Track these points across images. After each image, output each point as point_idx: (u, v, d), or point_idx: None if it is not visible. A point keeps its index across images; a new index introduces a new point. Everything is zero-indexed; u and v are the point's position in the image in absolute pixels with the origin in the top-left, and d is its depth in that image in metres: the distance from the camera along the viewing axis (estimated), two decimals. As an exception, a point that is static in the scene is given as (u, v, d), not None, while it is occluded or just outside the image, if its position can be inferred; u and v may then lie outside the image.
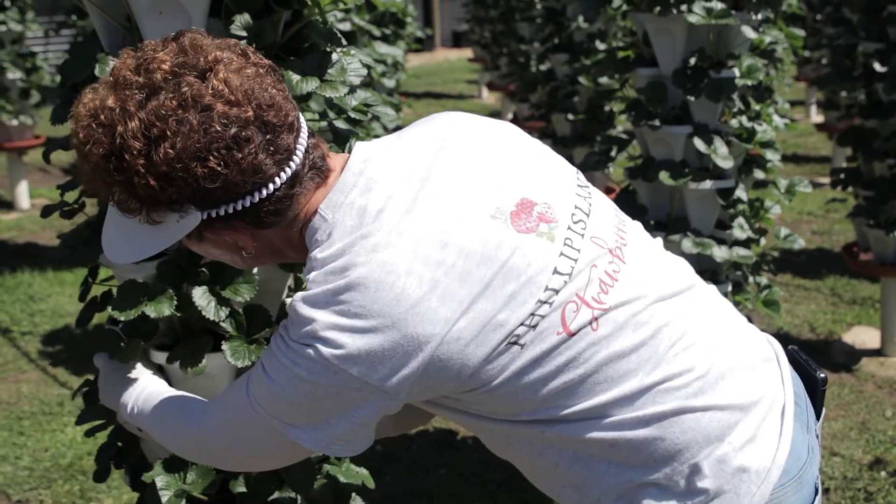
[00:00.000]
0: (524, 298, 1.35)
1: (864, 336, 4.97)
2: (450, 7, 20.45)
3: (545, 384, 1.37)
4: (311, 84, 1.68)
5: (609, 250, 1.43)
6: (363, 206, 1.37)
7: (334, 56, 1.75)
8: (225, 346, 1.76)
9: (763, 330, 1.65)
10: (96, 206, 1.91)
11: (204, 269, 1.77)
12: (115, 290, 2.04)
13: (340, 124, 1.93)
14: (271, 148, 1.35)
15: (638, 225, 1.57)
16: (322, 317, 1.32)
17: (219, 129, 1.30)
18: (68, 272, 6.33)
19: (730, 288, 3.31)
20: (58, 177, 9.53)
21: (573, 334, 1.37)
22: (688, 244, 3.17)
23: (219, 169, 1.31)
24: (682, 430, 1.41)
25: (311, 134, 1.44)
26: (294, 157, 1.38)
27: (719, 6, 3.04)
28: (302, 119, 1.43)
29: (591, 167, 3.39)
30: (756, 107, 3.28)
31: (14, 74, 7.41)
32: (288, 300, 2.00)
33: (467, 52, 17.89)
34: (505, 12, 9.74)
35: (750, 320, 3.34)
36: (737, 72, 3.17)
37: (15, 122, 7.49)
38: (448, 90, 15.24)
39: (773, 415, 1.48)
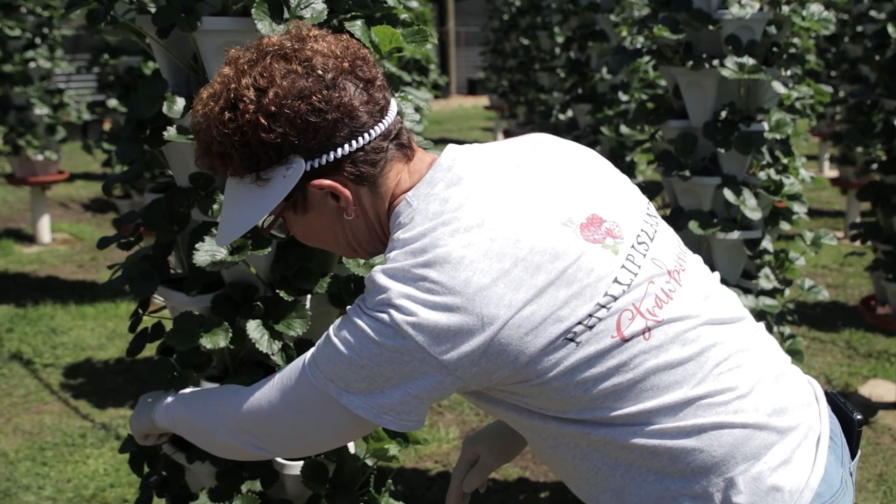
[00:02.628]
0: (585, 300, 1.43)
1: (881, 389, 5.00)
2: (466, 55, 20.66)
3: (596, 384, 1.45)
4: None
5: (667, 271, 1.53)
6: (447, 198, 1.48)
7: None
8: (276, 378, 1.80)
9: None
10: (152, 240, 1.97)
11: (258, 303, 1.82)
12: (164, 322, 2.10)
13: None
14: (366, 97, 1.48)
15: (698, 258, 1.67)
16: (398, 287, 1.41)
17: (320, 72, 1.45)
18: (90, 306, 6.39)
19: (754, 338, 3.35)
20: (78, 212, 9.63)
21: (626, 340, 1.45)
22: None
23: (321, 106, 1.44)
24: (720, 444, 1.48)
25: (398, 114, 1.57)
26: (386, 116, 1.52)
27: (751, 62, 3.11)
28: (392, 99, 1.56)
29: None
30: (784, 160, 3.34)
31: (41, 110, 7.52)
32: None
33: (483, 100, 18.05)
34: (524, 62, 9.86)
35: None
36: (766, 125, 3.23)
37: (40, 157, 7.58)
38: (464, 136, 15.36)
39: (808, 442, 1.55)
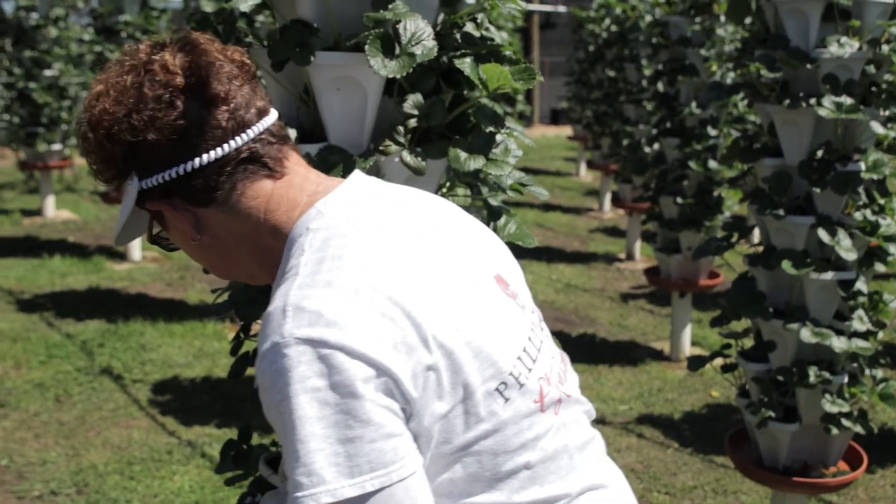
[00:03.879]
0: (509, 350, 1.32)
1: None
2: (549, 85, 20.68)
3: (512, 455, 1.30)
4: (479, 162, 1.78)
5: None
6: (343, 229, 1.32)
7: (498, 137, 1.85)
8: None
9: (879, 425, 1.65)
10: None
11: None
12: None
13: (493, 201, 2.02)
14: (202, 122, 1.34)
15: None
16: None
17: (147, 90, 1.33)
18: (178, 324, 6.52)
19: (846, 380, 3.30)
20: (167, 231, 9.81)
21: (543, 411, 1.33)
22: (806, 333, 3.18)
23: (140, 126, 1.32)
24: None
25: (279, 137, 1.42)
26: (231, 141, 1.36)
27: (848, 101, 3.09)
28: (267, 119, 1.41)
29: (712, 252, 3.42)
30: (880, 200, 3.30)
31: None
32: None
33: (565, 130, 18.05)
34: (609, 93, 9.85)
35: (865, 413, 3.32)
36: (862, 165, 3.20)
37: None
38: (546, 166, 15.38)
39: None
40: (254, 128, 1.38)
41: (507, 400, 1.29)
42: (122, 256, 8.47)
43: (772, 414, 3.27)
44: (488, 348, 1.28)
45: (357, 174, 1.45)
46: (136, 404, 5.17)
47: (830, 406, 3.24)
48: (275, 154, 1.40)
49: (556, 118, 20.79)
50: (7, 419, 4.94)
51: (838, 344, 3.18)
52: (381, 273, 1.25)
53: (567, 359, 1.54)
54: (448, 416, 1.25)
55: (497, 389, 1.28)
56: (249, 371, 2.19)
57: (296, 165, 1.43)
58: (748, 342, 3.59)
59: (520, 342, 1.34)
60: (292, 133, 1.84)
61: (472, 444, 1.27)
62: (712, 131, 5.82)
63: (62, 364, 5.72)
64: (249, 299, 1.94)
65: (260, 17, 5.85)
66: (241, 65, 1.42)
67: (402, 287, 1.25)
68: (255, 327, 2.14)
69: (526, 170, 14.42)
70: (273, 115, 1.43)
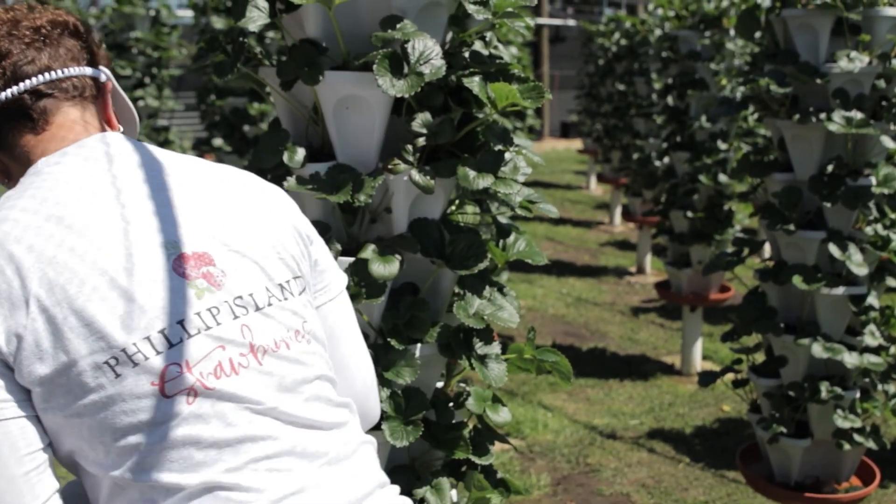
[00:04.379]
0: (136, 326, 1.32)
1: None
2: (559, 98, 20.71)
3: (124, 433, 1.31)
4: (487, 180, 1.78)
5: (251, 345, 1.39)
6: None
7: (507, 154, 1.85)
8: (384, 425, 1.83)
9: (892, 440, 1.63)
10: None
11: (370, 350, 1.86)
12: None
13: (502, 219, 2.02)
14: None
15: (325, 361, 1.51)
16: None
17: None
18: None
19: (858, 395, 3.29)
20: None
21: (166, 396, 1.32)
22: (817, 349, 3.17)
23: None
24: None
25: (69, 94, 1.52)
26: (5, 91, 1.47)
27: (859, 116, 3.08)
28: (49, 75, 1.50)
29: (723, 267, 3.42)
30: (891, 215, 3.29)
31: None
32: (439, 384, 2.07)
33: (575, 143, 18.07)
34: (619, 107, 9.86)
35: (878, 428, 3.30)
36: (873, 180, 3.19)
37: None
38: (556, 180, 15.38)
39: None
40: (28, 81, 1.48)
41: (117, 376, 1.30)
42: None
43: (783, 429, 3.25)
44: (102, 321, 1.30)
45: (112, 136, 1.51)
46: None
47: (842, 421, 3.23)
48: (44, 108, 1.50)
49: (566, 131, 20.81)
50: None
51: (850, 359, 3.17)
52: (9, 229, 1.33)
53: (314, 368, 1.47)
54: (53, 380, 1.29)
55: (107, 363, 1.29)
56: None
57: (71, 124, 1.51)
58: (759, 357, 3.58)
59: (161, 323, 1.33)
60: (301, 153, 1.84)
61: (85, 413, 1.30)
62: (722, 145, 5.82)
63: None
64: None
65: (270, 34, 5.87)
66: (37, 28, 1.52)
67: (24, 246, 1.32)
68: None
69: (536, 183, 14.44)
70: (66, 72, 1.52)
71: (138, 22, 7.94)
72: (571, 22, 21.39)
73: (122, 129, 1.64)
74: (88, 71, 1.56)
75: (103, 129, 1.57)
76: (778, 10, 3.29)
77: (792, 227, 3.21)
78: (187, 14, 9.20)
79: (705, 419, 5.38)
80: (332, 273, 1.62)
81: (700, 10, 5.90)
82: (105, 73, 1.60)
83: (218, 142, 6.44)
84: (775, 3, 3.32)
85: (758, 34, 3.50)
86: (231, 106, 6.41)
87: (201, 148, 6.68)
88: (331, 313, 1.61)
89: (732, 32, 5.90)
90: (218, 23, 6.52)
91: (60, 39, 1.55)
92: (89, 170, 1.44)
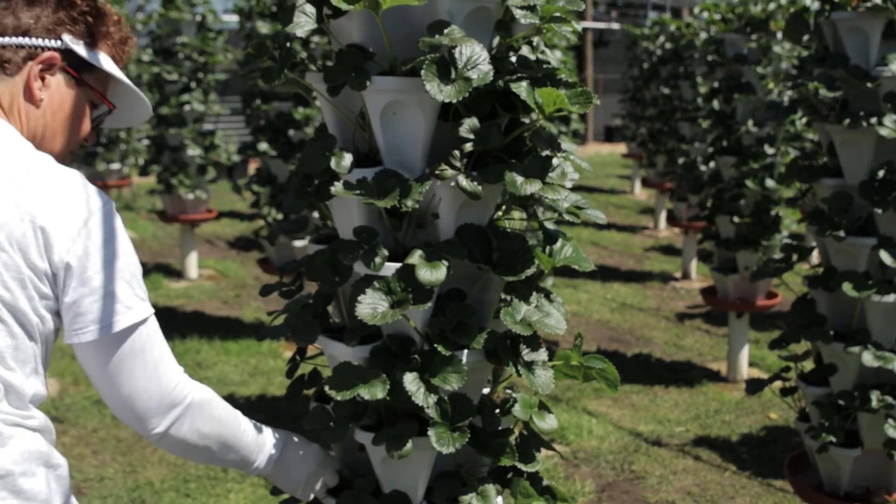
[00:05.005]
0: None
1: None
2: (603, 103, 20.63)
3: None
4: (535, 186, 1.76)
5: None
6: None
7: (554, 160, 1.83)
8: (431, 431, 1.82)
9: None
10: (314, 288, 2.03)
11: (416, 356, 1.85)
12: (320, 369, 2.15)
13: (550, 224, 2.01)
14: None
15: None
16: None
17: None
18: (233, 342, 6.57)
19: (909, 404, 3.24)
20: (223, 249, 9.92)
21: None
22: (868, 357, 3.12)
23: None
24: None
25: None
26: None
27: (911, 120, 3.04)
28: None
29: (771, 273, 3.38)
30: (944, 222, 3.24)
31: (194, 151, 7.82)
32: (486, 390, 2.06)
33: (619, 148, 17.98)
34: (664, 111, 9.80)
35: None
36: (926, 186, 3.14)
37: (191, 196, 7.88)
38: (600, 184, 15.31)
39: None
40: None
41: None
42: (178, 274, 8.56)
43: (833, 439, 3.21)
44: None
45: None
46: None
47: (894, 431, 3.18)
48: None
49: (610, 136, 20.72)
50: (66, 435, 5.00)
51: (901, 367, 3.12)
52: None
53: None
54: None
55: None
56: (306, 392, 2.20)
57: None
58: (808, 365, 3.53)
59: None
60: (349, 158, 1.84)
61: None
62: (769, 149, 5.76)
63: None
64: (305, 324, 1.94)
65: (315, 38, 5.89)
66: None
67: None
68: (311, 350, 2.15)
69: (580, 188, 14.38)
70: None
71: (185, 27, 8.02)
72: (616, 25, 21.29)
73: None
74: (24, 41, 1.70)
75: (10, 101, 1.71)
76: (827, 13, 3.24)
77: (842, 233, 3.16)
78: (233, 19, 9.28)
79: (752, 427, 5.33)
80: (92, 316, 1.61)
81: (747, 13, 5.84)
82: (62, 45, 1.73)
83: (263, 146, 6.47)
84: (824, 6, 3.27)
85: (806, 37, 3.45)
86: (276, 110, 6.44)
87: (247, 152, 6.72)
88: (81, 358, 1.66)
89: (779, 36, 5.83)
90: (263, 27, 6.56)
91: (19, 6, 1.71)
92: None
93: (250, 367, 6.12)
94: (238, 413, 1.89)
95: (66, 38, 1.73)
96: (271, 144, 6.46)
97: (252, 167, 14.25)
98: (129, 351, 1.64)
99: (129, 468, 4.64)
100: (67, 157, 1.82)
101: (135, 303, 1.63)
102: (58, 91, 1.75)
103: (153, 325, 1.68)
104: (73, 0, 1.74)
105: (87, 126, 1.84)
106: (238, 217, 11.66)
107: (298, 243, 6.17)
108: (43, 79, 1.73)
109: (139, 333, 1.64)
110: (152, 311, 1.68)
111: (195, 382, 1.77)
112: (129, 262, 1.64)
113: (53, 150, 1.76)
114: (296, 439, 2.03)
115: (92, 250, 1.59)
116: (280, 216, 6.20)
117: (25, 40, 1.69)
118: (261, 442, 1.94)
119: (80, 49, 1.74)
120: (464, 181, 1.79)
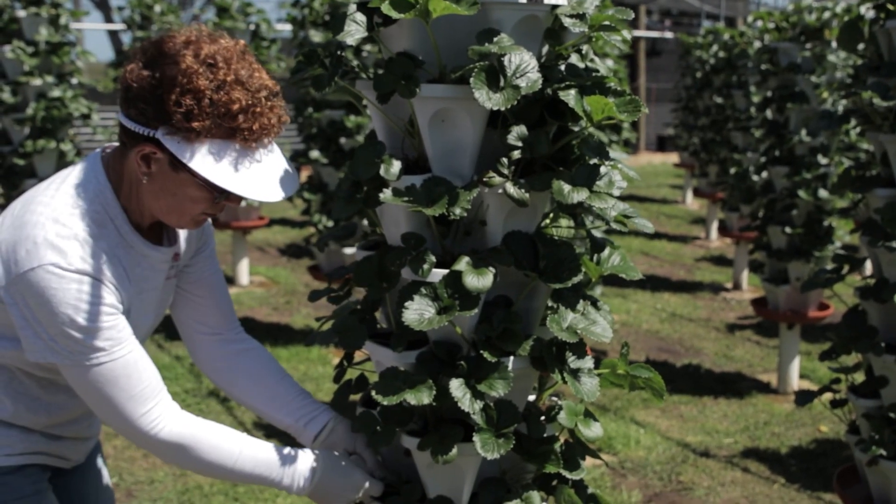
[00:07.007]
0: None
1: None
2: (656, 112, 20.52)
3: None
4: (582, 194, 1.77)
5: None
6: None
7: (602, 168, 1.84)
8: (476, 437, 1.83)
9: None
10: (361, 293, 2.05)
11: (462, 362, 1.86)
12: (367, 375, 2.17)
13: (597, 233, 2.01)
14: None
15: None
16: None
17: None
18: (283, 348, 6.62)
19: (963, 419, 3.19)
20: (274, 256, 10.00)
21: None
22: (921, 370, 3.09)
23: None
24: None
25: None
26: None
27: (967, 130, 3.00)
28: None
29: (822, 284, 3.35)
30: None
31: (246, 158, 7.88)
32: (531, 397, 2.07)
33: (672, 157, 17.88)
34: (717, 120, 9.73)
35: None
36: (981, 197, 3.10)
37: (242, 204, 7.95)
38: (652, 194, 15.23)
39: None
40: None
41: None
42: (230, 281, 8.64)
43: (883, 452, 3.17)
44: None
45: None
46: (241, 426, 5.26)
47: (946, 445, 3.13)
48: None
49: (662, 145, 20.59)
50: (117, 438, 5.07)
51: (955, 381, 3.08)
52: None
53: None
54: None
55: None
56: (353, 397, 2.22)
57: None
58: (859, 377, 3.49)
59: None
60: (398, 165, 1.86)
61: None
62: (822, 160, 5.70)
63: (171, 385, 5.85)
64: (352, 328, 1.96)
65: (367, 47, 5.94)
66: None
67: None
68: (359, 355, 2.17)
69: (631, 197, 14.31)
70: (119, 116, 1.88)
71: (239, 36, 8.10)
72: (668, 34, 21.17)
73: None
74: (122, 120, 1.85)
75: (107, 173, 1.91)
76: (882, 21, 3.21)
77: (894, 244, 3.13)
78: (286, 28, 9.36)
79: (802, 439, 5.27)
80: None
81: (801, 21, 5.79)
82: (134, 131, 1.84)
83: (315, 154, 6.52)
84: (879, 15, 3.24)
85: (860, 46, 3.42)
86: (328, 118, 6.49)
87: (298, 160, 6.78)
88: None
89: (834, 44, 5.78)
90: (316, 36, 6.61)
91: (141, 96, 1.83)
92: None
93: (300, 373, 6.16)
94: (239, 449, 2.04)
95: (161, 130, 1.80)
96: (323, 152, 6.51)
97: (304, 175, 14.35)
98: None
99: (178, 471, 4.69)
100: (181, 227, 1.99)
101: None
102: (159, 173, 1.86)
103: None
104: (179, 99, 1.78)
105: (199, 207, 1.91)
106: (289, 224, 11.75)
107: (348, 250, 6.21)
108: (148, 162, 1.84)
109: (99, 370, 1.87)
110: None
111: (183, 422, 1.95)
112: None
113: (168, 223, 1.95)
114: (338, 458, 2.05)
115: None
116: (331, 223, 6.24)
117: (126, 122, 1.83)
118: (292, 468, 2.03)
119: (170, 143, 1.79)
120: (511, 189, 1.80)
